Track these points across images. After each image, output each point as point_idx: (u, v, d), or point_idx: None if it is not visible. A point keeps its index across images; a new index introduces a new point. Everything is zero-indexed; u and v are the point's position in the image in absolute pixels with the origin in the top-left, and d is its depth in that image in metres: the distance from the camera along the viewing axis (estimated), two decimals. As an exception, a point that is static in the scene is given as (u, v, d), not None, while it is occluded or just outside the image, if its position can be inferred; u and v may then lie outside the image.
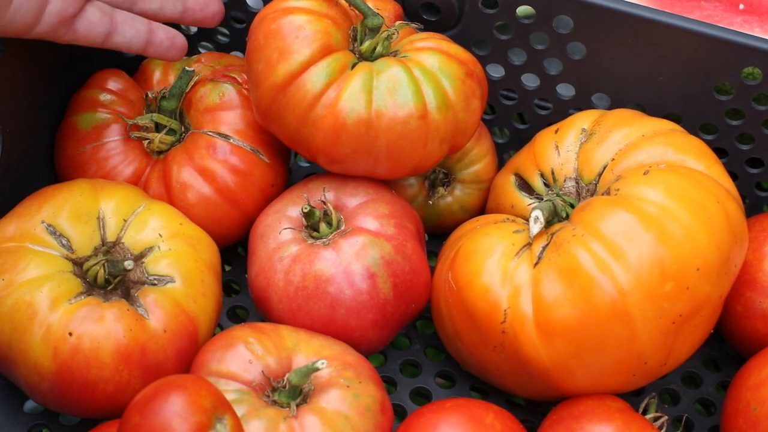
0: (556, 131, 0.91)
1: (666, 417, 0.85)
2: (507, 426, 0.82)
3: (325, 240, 0.87)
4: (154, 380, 0.72)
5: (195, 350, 0.84)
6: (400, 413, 0.92)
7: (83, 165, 0.93)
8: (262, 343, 0.82)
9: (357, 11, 0.88)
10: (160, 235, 0.86)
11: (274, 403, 0.80)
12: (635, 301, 0.79)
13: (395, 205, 0.90)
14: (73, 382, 0.81)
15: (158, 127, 0.93)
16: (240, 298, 0.97)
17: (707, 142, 0.93)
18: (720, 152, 0.95)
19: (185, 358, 0.84)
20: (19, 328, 0.80)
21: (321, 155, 0.88)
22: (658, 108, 0.95)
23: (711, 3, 0.99)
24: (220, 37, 1.04)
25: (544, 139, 0.91)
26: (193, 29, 1.03)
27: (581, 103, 0.98)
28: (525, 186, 0.92)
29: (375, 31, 0.88)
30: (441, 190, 0.97)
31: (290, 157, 0.98)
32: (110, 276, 0.83)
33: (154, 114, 0.93)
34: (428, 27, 0.96)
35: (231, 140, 0.92)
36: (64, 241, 0.85)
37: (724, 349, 0.96)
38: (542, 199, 0.89)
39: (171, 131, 0.94)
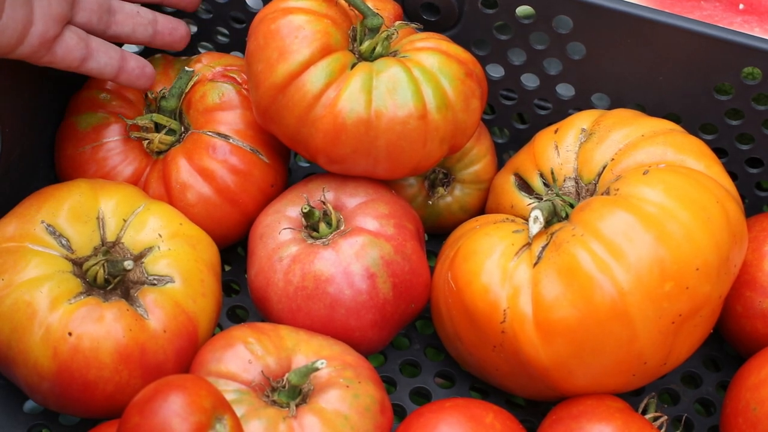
0: (556, 131, 0.91)
1: (666, 417, 0.85)
2: (507, 426, 0.82)
3: (324, 240, 0.87)
4: (154, 380, 0.72)
5: (195, 350, 0.84)
6: (399, 413, 0.92)
7: (83, 165, 0.93)
8: (261, 343, 0.82)
9: (357, 11, 0.88)
10: (160, 235, 0.86)
11: (274, 403, 0.80)
12: (635, 301, 0.79)
13: (395, 205, 0.90)
14: (73, 382, 0.81)
15: (158, 127, 0.93)
16: (240, 298, 0.97)
17: (707, 142, 0.93)
18: (720, 152, 0.95)
19: (185, 358, 0.84)
20: (18, 328, 0.80)
21: (321, 155, 0.88)
22: (658, 108, 0.95)
23: (711, 3, 0.99)
24: (219, 37, 1.04)
25: (544, 139, 0.91)
26: (194, 28, 1.03)
27: (581, 103, 0.98)
28: (525, 186, 0.92)
29: (375, 31, 0.88)
30: (441, 190, 0.97)
31: (290, 157, 0.98)
32: (110, 276, 0.83)
33: (153, 114, 0.93)
34: (428, 27, 0.96)
35: (231, 140, 0.92)
36: (63, 241, 0.85)
37: (724, 349, 0.96)
38: (542, 199, 0.89)
39: (171, 131, 0.94)
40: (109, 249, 0.85)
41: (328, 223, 0.88)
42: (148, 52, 1.02)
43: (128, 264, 0.81)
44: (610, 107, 0.96)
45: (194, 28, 1.03)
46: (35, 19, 0.82)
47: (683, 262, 0.79)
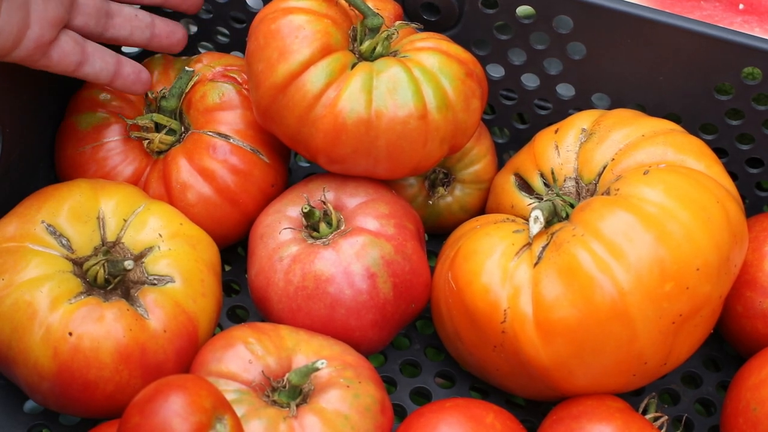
0: (556, 131, 0.91)
1: (666, 417, 0.85)
2: (507, 426, 0.82)
3: (325, 240, 0.87)
4: (154, 380, 0.72)
5: (195, 350, 0.84)
6: (400, 413, 0.92)
7: (83, 165, 0.93)
8: (262, 343, 0.82)
9: (357, 11, 0.88)
10: (160, 235, 0.86)
11: (274, 403, 0.80)
12: (635, 301, 0.79)
13: (395, 205, 0.90)
14: (73, 382, 0.81)
15: (158, 127, 0.93)
16: (240, 298, 0.97)
17: (707, 142, 0.93)
18: (720, 152, 0.95)
19: (185, 358, 0.84)
20: (19, 328, 0.80)
21: (321, 155, 0.88)
22: (658, 108, 0.95)
23: (711, 3, 0.99)
24: (220, 37, 1.04)
25: (544, 139, 0.91)
26: (194, 28, 1.03)
27: (581, 103, 0.98)
28: (525, 186, 0.92)
29: (375, 31, 0.88)
30: (441, 190, 0.97)
31: (290, 157, 0.98)
32: (110, 276, 0.83)
33: (153, 114, 0.93)
34: (428, 27, 0.96)
35: (231, 140, 0.92)
36: (64, 241, 0.85)
37: (724, 349, 0.96)
38: (542, 199, 0.89)
39: (171, 131, 0.94)
40: (109, 249, 0.85)
41: (329, 223, 0.88)
42: (146, 53, 1.02)
43: (128, 264, 0.81)
44: (611, 107, 0.96)
45: (194, 28, 1.03)
46: (31, 22, 0.82)
47: (683, 262, 0.79)
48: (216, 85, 0.94)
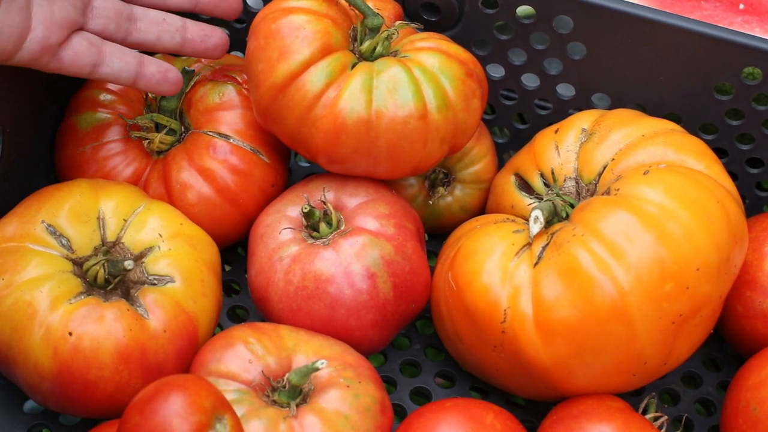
0: (556, 131, 0.91)
1: (666, 417, 0.85)
2: (507, 426, 0.82)
3: (325, 240, 0.87)
4: (154, 380, 0.72)
5: (195, 350, 0.84)
6: (400, 413, 0.92)
7: (83, 165, 0.93)
8: (262, 343, 0.82)
9: (357, 11, 0.88)
10: (160, 235, 0.86)
11: (274, 403, 0.80)
12: (635, 301, 0.79)
13: (395, 205, 0.90)
14: (73, 382, 0.81)
15: (158, 127, 0.93)
16: (240, 298, 0.97)
17: (707, 142, 0.93)
18: (720, 152, 0.95)
19: (185, 358, 0.84)
20: (19, 328, 0.80)
21: (321, 155, 0.88)
22: (658, 108, 0.95)
23: (711, 3, 0.99)
24: (220, 37, 1.03)
25: (544, 139, 0.91)
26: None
27: (581, 103, 0.98)
28: (525, 186, 0.92)
29: (375, 31, 0.88)
30: (441, 190, 0.97)
31: (290, 157, 0.98)
32: (110, 276, 0.83)
33: (154, 114, 0.93)
34: (428, 27, 0.96)
35: (231, 140, 0.92)
36: (64, 241, 0.85)
37: (724, 349, 0.96)
38: (542, 199, 0.89)
39: (171, 131, 0.94)
40: (109, 249, 0.85)
41: (329, 223, 0.88)
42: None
43: (128, 264, 0.81)
44: (611, 107, 0.96)
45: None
46: (34, 24, 0.80)
47: (683, 262, 0.79)
48: (216, 85, 0.94)
